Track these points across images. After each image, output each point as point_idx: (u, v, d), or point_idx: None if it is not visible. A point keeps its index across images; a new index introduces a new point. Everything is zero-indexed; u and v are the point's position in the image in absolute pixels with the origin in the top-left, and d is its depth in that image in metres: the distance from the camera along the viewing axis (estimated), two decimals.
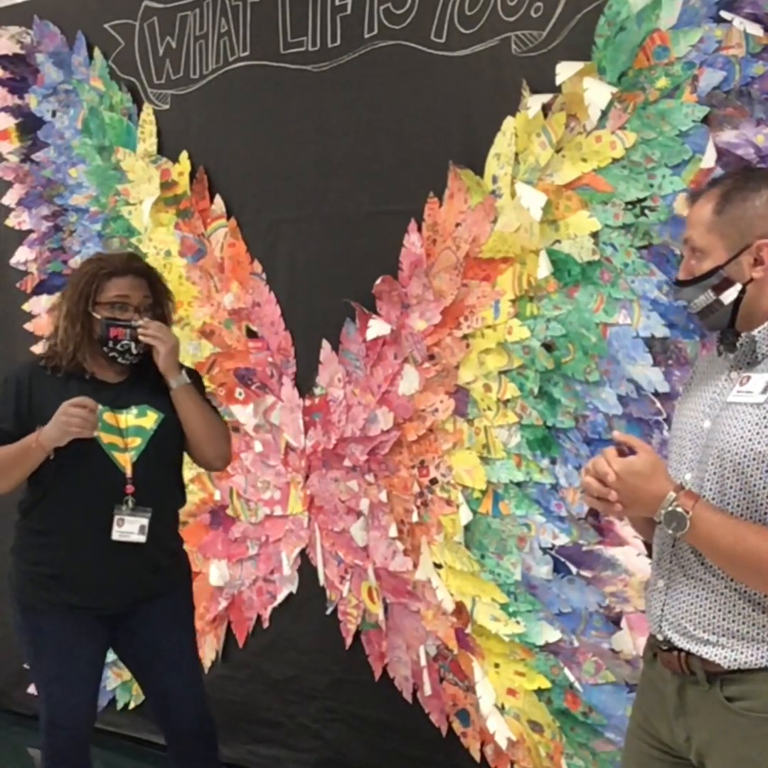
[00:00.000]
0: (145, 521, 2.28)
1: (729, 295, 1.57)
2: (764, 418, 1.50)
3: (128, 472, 2.29)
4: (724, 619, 1.54)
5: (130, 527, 2.28)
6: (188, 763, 2.49)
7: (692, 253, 1.60)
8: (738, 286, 1.56)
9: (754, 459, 1.50)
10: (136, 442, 2.32)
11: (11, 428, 2.28)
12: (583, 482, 1.58)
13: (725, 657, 1.53)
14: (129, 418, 2.33)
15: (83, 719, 2.38)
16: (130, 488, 2.28)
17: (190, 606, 2.51)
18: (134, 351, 2.33)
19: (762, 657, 1.52)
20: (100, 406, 2.23)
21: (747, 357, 1.58)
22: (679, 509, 1.49)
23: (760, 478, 1.49)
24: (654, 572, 1.68)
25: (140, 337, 2.31)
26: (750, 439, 1.50)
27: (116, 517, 2.27)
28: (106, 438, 2.28)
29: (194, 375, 2.50)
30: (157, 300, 2.39)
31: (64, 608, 2.30)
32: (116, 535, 2.27)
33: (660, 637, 1.64)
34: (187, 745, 2.47)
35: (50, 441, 2.20)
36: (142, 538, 2.28)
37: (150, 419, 2.34)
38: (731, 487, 1.53)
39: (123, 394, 2.35)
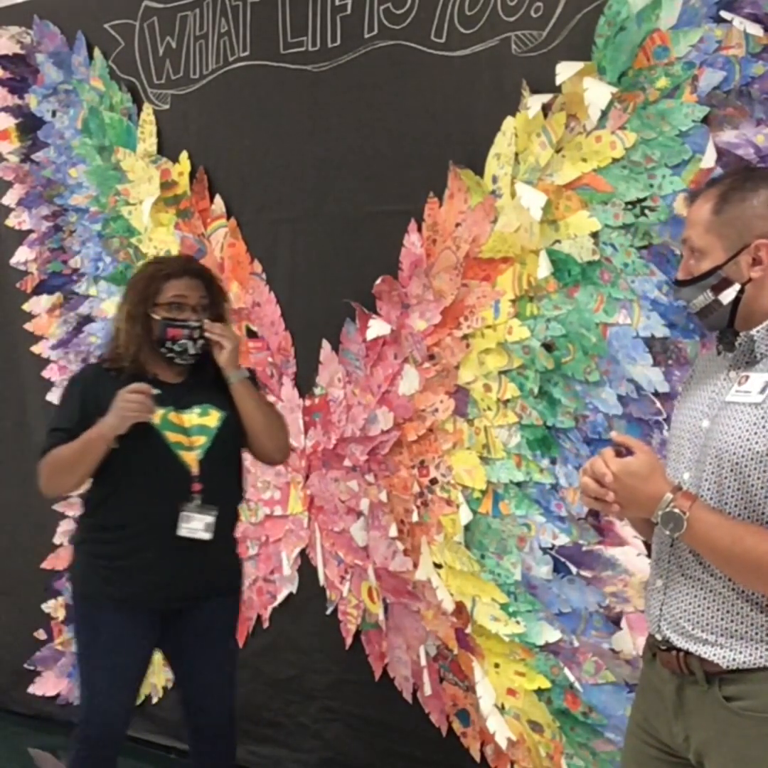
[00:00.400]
0: (211, 519, 2.32)
1: (727, 295, 1.57)
2: (762, 417, 1.50)
3: (195, 470, 2.33)
4: (722, 619, 1.54)
5: (196, 524, 2.31)
6: (208, 763, 2.52)
7: (691, 253, 1.61)
8: (737, 286, 1.56)
9: (751, 459, 1.50)
10: (201, 440, 2.36)
11: (74, 428, 2.32)
12: (580, 483, 1.58)
13: (724, 657, 1.53)
14: (192, 417, 2.37)
15: (121, 715, 2.41)
16: (197, 486, 2.32)
17: (238, 611, 2.55)
18: (192, 351, 2.36)
19: (761, 656, 1.51)
20: (154, 391, 2.26)
21: (746, 356, 1.58)
22: (676, 510, 1.49)
23: (758, 478, 1.49)
24: (653, 572, 1.68)
25: (206, 335, 2.35)
26: (748, 439, 1.50)
27: (183, 514, 2.30)
28: (172, 437, 2.33)
29: (249, 373, 2.52)
30: (214, 300, 2.43)
31: (122, 602, 2.34)
32: (183, 531, 2.30)
33: (659, 637, 1.64)
34: (209, 744, 2.50)
35: (110, 429, 2.24)
36: (208, 536, 2.31)
37: (213, 418, 2.38)
38: (729, 487, 1.53)
39: (185, 394, 2.39)
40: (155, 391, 2.27)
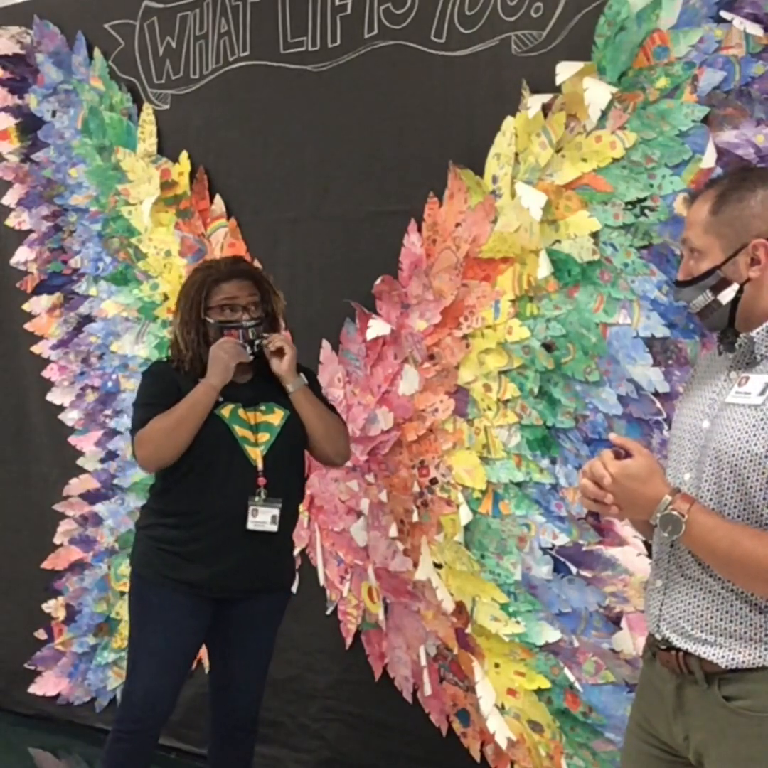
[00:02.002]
0: (276, 512, 2.36)
1: (726, 295, 1.57)
2: (761, 419, 1.50)
3: (260, 465, 2.37)
4: (721, 619, 1.54)
5: (263, 517, 2.36)
6: (229, 753, 2.55)
7: (690, 253, 1.61)
8: (735, 286, 1.56)
9: (750, 461, 1.50)
10: (266, 437, 2.40)
11: (166, 401, 2.37)
12: (579, 484, 1.58)
13: (723, 656, 1.53)
14: (258, 414, 2.41)
15: (163, 698, 2.43)
16: (262, 480, 2.36)
17: (284, 611, 2.57)
18: (248, 352, 2.40)
19: (760, 656, 1.52)
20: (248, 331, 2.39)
21: (746, 357, 1.58)
22: (675, 512, 1.49)
23: (757, 480, 1.49)
24: (653, 572, 1.69)
25: (270, 347, 2.40)
26: (747, 441, 1.50)
27: (250, 508, 2.35)
28: (240, 431, 2.38)
29: (309, 374, 2.56)
30: (264, 298, 2.47)
31: (181, 584, 2.37)
32: (251, 524, 2.35)
33: (658, 637, 1.64)
34: (232, 735, 2.52)
35: (217, 378, 2.34)
36: (275, 528, 2.36)
37: (277, 416, 2.42)
38: (729, 489, 1.53)
39: (251, 392, 2.44)
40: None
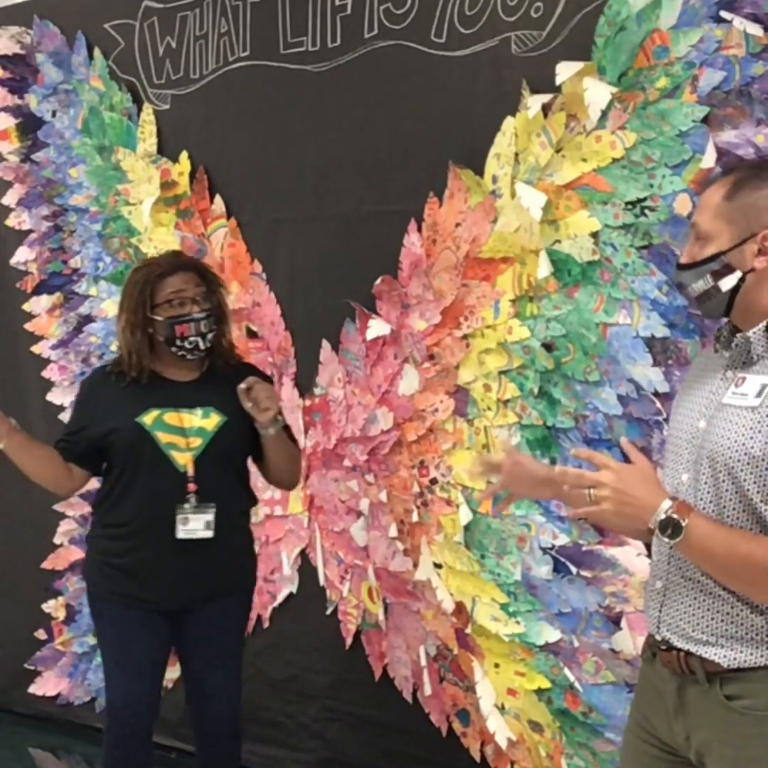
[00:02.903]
0: (210, 517, 2.31)
1: (727, 282, 1.55)
2: (759, 422, 1.49)
3: (190, 471, 2.32)
4: (722, 621, 1.54)
5: (195, 524, 2.31)
6: (213, 760, 2.53)
7: (696, 238, 1.59)
8: (738, 274, 1.54)
9: (747, 463, 1.49)
10: (197, 442, 2.35)
11: (70, 438, 2.40)
12: (559, 470, 1.58)
13: (725, 656, 1.53)
14: (193, 418, 2.36)
15: (141, 709, 2.42)
16: (191, 486, 2.31)
17: (249, 609, 2.55)
18: (202, 346, 2.36)
19: (761, 656, 1.51)
20: (14, 422, 2.35)
21: (742, 357, 1.57)
22: (675, 516, 1.48)
23: (754, 482, 1.49)
24: (652, 573, 1.68)
25: (242, 385, 2.32)
26: (743, 444, 1.49)
27: (179, 516, 2.30)
28: (164, 438, 2.32)
29: (258, 373, 2.50)
30: (211, 289, 2.42)
31: (128, 599, 2.35)
32: (181, 533, 2.30)
33: (658, 638, 1.64)
34: (214, 741, 2.50)
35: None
36: (209, 534, 2.31)
37: (212, 421, 2.37)
38: (727, 490, 1.52)
39: (190, 393, 2.39)
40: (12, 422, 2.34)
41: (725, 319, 1.62)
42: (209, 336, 2.36)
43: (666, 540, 1.50)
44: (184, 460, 2.32)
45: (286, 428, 2.48)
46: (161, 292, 2.35)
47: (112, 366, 2.41)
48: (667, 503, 1.48)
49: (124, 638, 2.37)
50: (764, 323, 1.54)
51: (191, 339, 2.34)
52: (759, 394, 1.50)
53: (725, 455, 1.51)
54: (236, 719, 2.51)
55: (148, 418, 2.32)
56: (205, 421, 2.36)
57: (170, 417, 2.34)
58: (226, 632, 2.46)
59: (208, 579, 2.37)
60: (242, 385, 2.32)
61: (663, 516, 1.48)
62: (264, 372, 2.60)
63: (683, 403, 1.69)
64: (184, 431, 2.34)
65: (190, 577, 2.35)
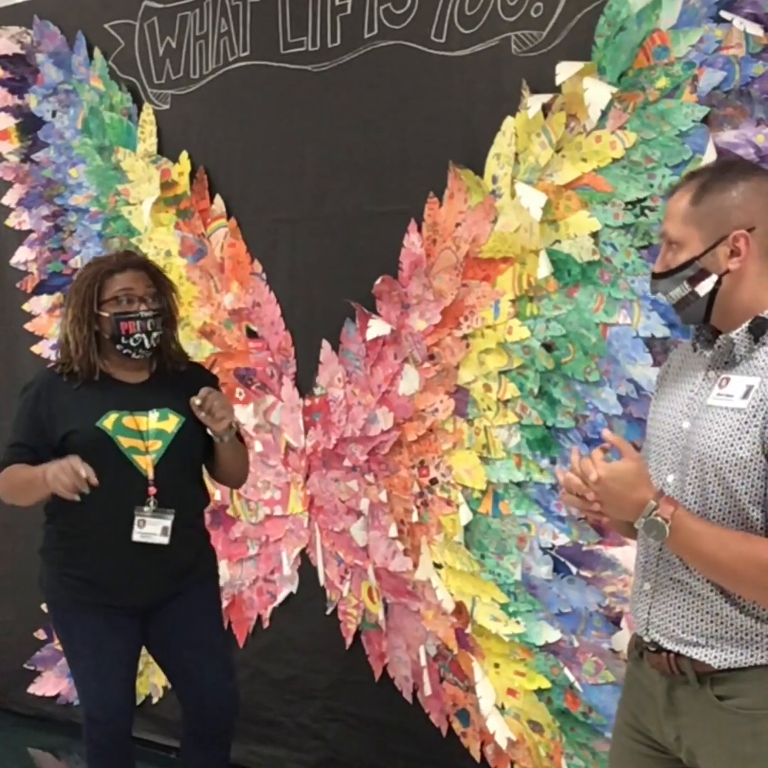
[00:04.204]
0: (167, 523, 2.30)
1: (704, 287, 1.56)
2: (746, 423, 1.49)
3: (150, 474, 2.31)
4: (711, 622, 1.54)
5: (152, 528, 2.29)
6: (203, 755, 2.51)
7: (669, 245, 1.59)
8: (714, 278, 1.55)
9: (735, 464, 1.49)
10: (157, 445, 2.33)
11: (30, 442, 2.32)
12: (564, 477, 1.57)
13: (715, 657, 1.53)
14: (150, 421, 2.34)
15: (119, 714, 2.41)
16: (152, 490, 2.30)
17: (217, 599, 2.53)
18: (148, 345, 2.34)
19: (751, 656, 1.52)
20: (91, 475, 2.13)
21: (724, 357, 1.57)
22: (659, 518, 1.48)
23: (742, 483, 1.49)
24: (639, 575, 1.67)
25: (196, 401, 2.28)
26: (731, 445, 1.49)
27: (137, 519, 2.29)
28: (125, 442, 2.30)
29: (209, 377, 2.51)
30: (161, 290, 2.40)
31: (94, 607, 2.34)
32: (137, 536, 2.29)
33: (647, 640, 1.63)
34: (208, 737, 2.48)
35: (48, 485, 2.17)
36: (165, 540, 2.29)
37: (171, 423, 2.35)
38: (713, 491, 1.52)
39: (143, 395, 2.37)
40: (93, 481, 2.14)
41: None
42: (154, 335, 2.34)
43: (651, 540, 1.50)
44: (145, 463, 2.31)
45: (237, 431, 2.46)
46: (109, 289, 2.33)
47: (61, 366, 2.36)
48: (652, 504, 1.48)
49: (96, 646, 2.35)
50: (746, 324, 1.54)
51: (136, 336, 2.31)
52: (745, 396, 1.50)
53: (713, 457, 1.51)
54: (230, 713, 2.47)
55: (108, 423, 2.29)
56: (162, 423, 2.34)
57: (128, 420, 2.32)
58: (199, 622, 2.44)
59: (168, 579, 2.37)
60: (195, 401, 2.28)
61: (648, 517, 1.48)
62: (210, 372, 2.59)
63: (663, 403, 1.68)
64: (142, 434, 2.32)
65: (150, 578, 2.34)
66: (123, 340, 2.32)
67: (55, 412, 2.31)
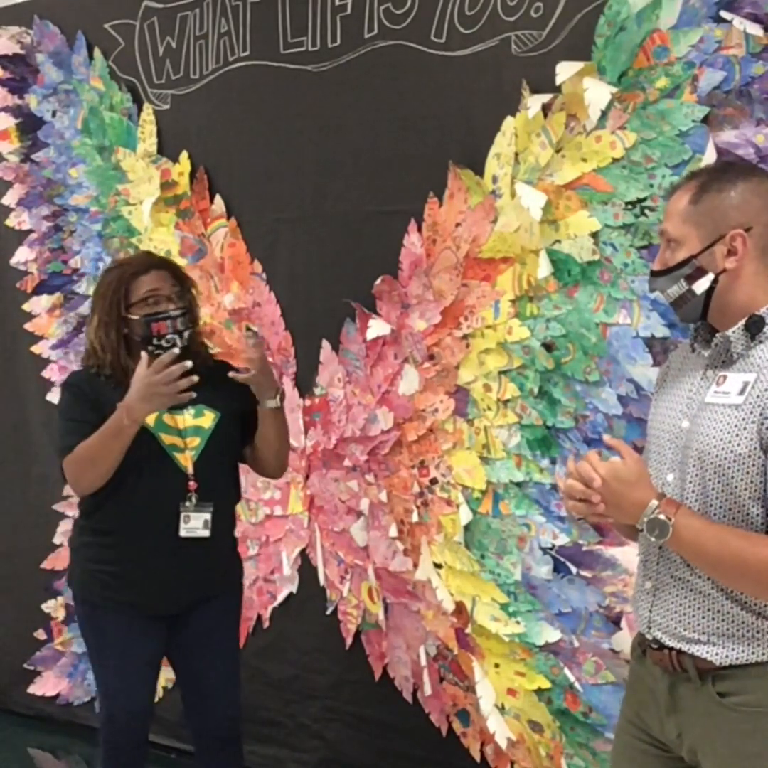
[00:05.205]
0: (208, 516, 2.31)
1: (701, 285, 1.57)
2: (743, 419, 1.50)
3: (190, 470, 2.32)
4: (713, 619, 1.55)
5: (195, 523, 2.30)
6: (213, 761, 2.51)
7: (667, 244, 1.62)
8: (710, 276, 1.56)
9: (734, 461, 1.50)
10: (195, 441, 2.34)
11: (88, 418, 2.27)
12: (565, 486, 1.58)
13: (717, 654, 1.54)
14: (187, 418, 2.34)
15: (140, 715, 2.41)
16: (192, 485, 2.30)
17: (240, 609, 2.54)
18: (180, 344, 2.32)
19: (753, 653, 1.53)
20: (187, 363, 2.15)
21: (722, 356, 1.58)
22: (662, 516, 1.49)
23: (741, 480, 1.50)
24: (641, 573, 1.69)
25: (247, 361, 2.27)
26: (729, 442, 1.51)
27: (182, 514, 2.29)
28: (166, 439, 2.31)
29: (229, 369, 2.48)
30: (184, 288, 2.40)
31: (124, 606, 2.33)
32: (184, 531, 2.29)
33: (649, 637, 1.64)
34: (213, 744, 2.48)
35: (144, 413, 2.19)
36: (207, 533, 2.30)
37: (207, 419, 2.36)
38: (713, 489, 1.53)
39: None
40: (188, 364, 2.15)
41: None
42: (186, 334, 2.33)
43: (653, 539, 1.51)
44: (184, 460, 2.32)
45: (285, 424, 2.47)
46: (136, 291, 2.32)
47: (96, 368, 2.35)
48: (654, 503, 1.50)
49: (123, 646, 2.35)
50: (743, 322, 1.56)
51: (168, 337, 2.30)
52: (741, 392, 1.52)
53: (712, 454, 1.52)
54: (237, 721, 2.50)
55: (150, 420, 2.29)
56: (199, 419, 2.35)
57: (167, 418, 2.32)
58: (223, 632, 2.46)
59: (203, 580, 2.37)
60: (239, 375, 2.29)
61: (651, 516, 1.50)
62: (237, 367, 2.57)
63: (662, 403, 1.69)
64: (181, 432, 2.33)
65: (186, 579, 2.34)
66: (155, 342, 2.31)
67: (99, 410, 2.28)
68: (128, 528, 2.31)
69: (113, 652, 2.36)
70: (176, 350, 2.25)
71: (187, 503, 2.30)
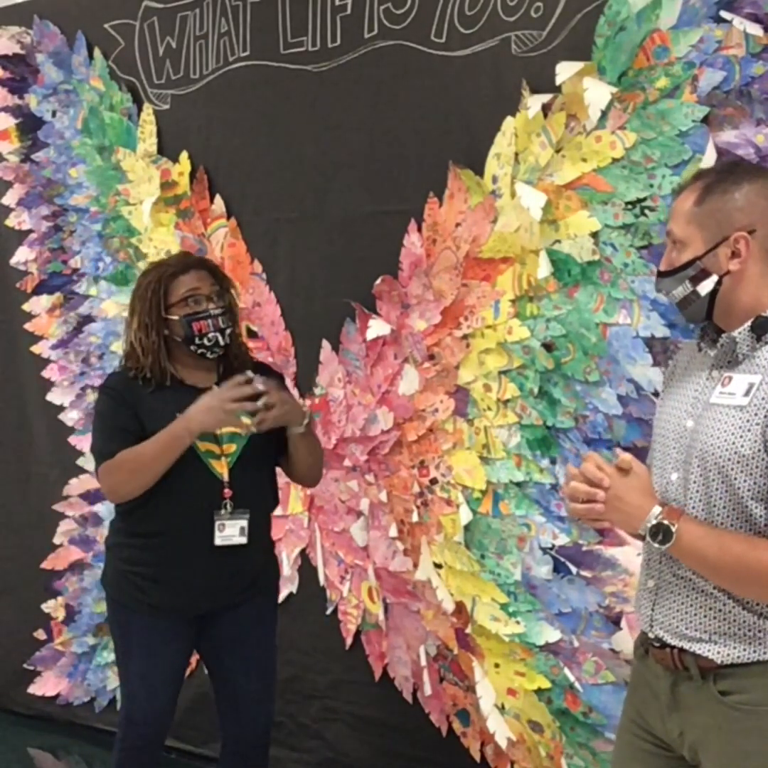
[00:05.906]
0: (244, 523, 2.29)
1: (705, 287, 1.58)
2: (747, 421, 1.50)
3: (225, 477, 2.29)
4: (714, 618, 1.55)
5: (230, 531, 2.29)
6: (240, 766, 2.50)
7: (673, 245, 1.62)
8: (714, 278, 1.57)
9: (737, 462, 1.51)
10: (232, 448, 2.31)
11: (130, 426, 2.26)
12: (569, 488, 1.58)
13: (718, 652, 1.55)
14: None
15: (161, 719, 2.41)
16: (228, 492, 2.28)
17: (276, 613, 2.52)
18: (222, 342, 2.31)
19: (754, 651, 1.53)
20: (259, 386, 2.17)
21: (727, 356, 1.59)
22: (665, 522, 1.51)
23: (744, 481, 1.50)
24: (644, 572, 1.70)
25: (265, 416, 2.23)
26: (733, 443, 1.51)
27: (217, 523, 2.27)
28: (202, 446, 2.28)
29: (276, 376, 2.47)
30: (222, 286, 2.38)
31: (156, 609, 2.32)
32: (219, 540, 2.27)
33: (651, 636, 1.65)
34: (244, 749, 2.47)
35: (202, 427, 2.20)
36: (243, 540, 2.29)
37: (244, 424, 2.32)
38: (717, 489, 1.54)
39: None
40: (260, 388, 2.17)
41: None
42: (227, 332, 2.32)
43: (657, 545, 1.52)
44: (220, 467, 2.30)
45: (316, 440, 2.47)
46: (176, 292, 2.30)
47: (134, 371, 2.32)
48: (657, 509, 1.51)
49: (151, 650, 2.34)
50: (749, 323, 1.56)
51: (210, 335, 2.29)
52: (747, 393, 1.52)
53: (715, 455, 1.53)
54: (267, 729, 2.49)
55: None
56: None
57: None
58: (260, 632, 2.44)
59: (238, 584, 2.35)
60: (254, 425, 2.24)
61: (654, 521, 1.52)
62: (275, 370, 2.56)
63: (669, 402, 1.70)
64: (218, 438, 2.30)
65: (221, 583, 2.33)
66: (197, 341, 2.29)
67: (139, 411, 2.27)
68: (162, 533, 2.30)
69: (139, 654, 2.35)
70: (250, 373, 2.23)
71: (222, 511, 2.28)
